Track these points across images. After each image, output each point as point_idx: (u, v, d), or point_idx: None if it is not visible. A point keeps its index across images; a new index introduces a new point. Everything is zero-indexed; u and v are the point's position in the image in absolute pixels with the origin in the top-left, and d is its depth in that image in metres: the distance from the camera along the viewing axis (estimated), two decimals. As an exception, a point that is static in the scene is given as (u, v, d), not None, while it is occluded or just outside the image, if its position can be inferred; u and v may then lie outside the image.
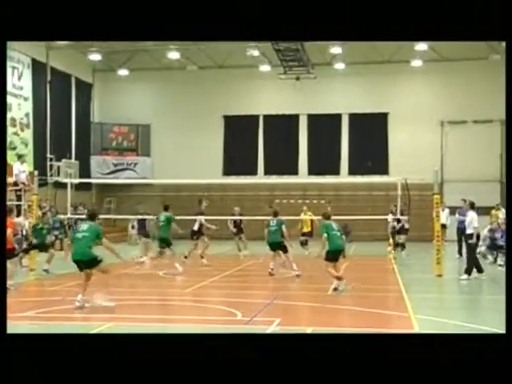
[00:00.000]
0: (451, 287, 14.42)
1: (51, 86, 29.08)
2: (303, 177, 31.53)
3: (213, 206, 22.90)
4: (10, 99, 24.97)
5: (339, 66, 31.32)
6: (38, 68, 27.84)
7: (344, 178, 31.23)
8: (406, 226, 19.84)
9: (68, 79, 30.93)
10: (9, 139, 24.68)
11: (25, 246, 16.82)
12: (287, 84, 30.95)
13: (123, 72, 33.27)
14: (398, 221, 19.73)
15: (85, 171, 30.75)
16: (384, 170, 31.13)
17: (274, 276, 15.14)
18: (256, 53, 29.64)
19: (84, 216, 27.19)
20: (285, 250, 15.42)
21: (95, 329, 8.58)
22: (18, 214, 18.51)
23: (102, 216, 28.25)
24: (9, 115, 24.82)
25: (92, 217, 10.97)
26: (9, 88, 24.84)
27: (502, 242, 17.34)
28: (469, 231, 14.70)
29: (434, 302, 12.11)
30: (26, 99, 27.07)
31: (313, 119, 32.38)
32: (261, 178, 31.92)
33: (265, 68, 31.77)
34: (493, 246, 18.34)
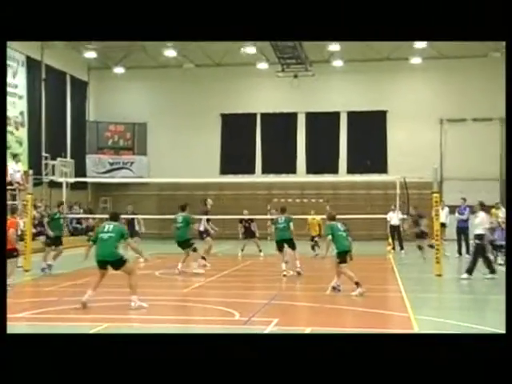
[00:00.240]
0: (451, 287, 14.44)
1: (46, 84, 29.06)
2: (301, 175, 31.54)
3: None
4: (4, 97, 24.92)
5: (337, 63, 31.34)
6: (32, 66, 27.81)
7: (342, 176, 31.23)
8: (425, 230, 19.59)
9: (63, 77, 30.89)
10: (3, 138, 24.62)
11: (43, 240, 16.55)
12: (285, 82, 30.95)
13: (119, 70, 33.24)
14: (417, 224, 19.59)
15: (80, 170, 30.72)
16: (383, 169, 31.14)
17: (286, 276, 15.09)
18: (253, 50, 29.66)
19: (80, 215, 27.38)
20: (293, 247, 15.42)
21: (91, 330, 8.57)
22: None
23: (97, 216, 28.41)
24: (3, 114, 24.76)
25: (115, 217, 11.02)
26: (3, 86, 24.78)
27: (501, 242, 17.35)
28: (478, 231, 14.68)
29: (433, 301, 12.13)
30: (20, 97, 27.05)
31: (311, 117, 32.39)
32: (258, 177, 31.94)
33: (262, 66, 31.77)
34: (492, 246, 18.36)
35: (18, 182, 19.87)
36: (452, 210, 21.43)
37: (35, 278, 15.31)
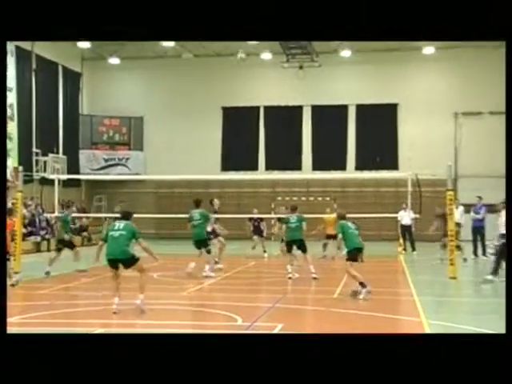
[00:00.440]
0: (466, 290, 14.42)
1: (37, 75, 29.08)
2: (307, 172, 31.54)
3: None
4: (-8, 89, 24.96)
5: (345, 53, 31.29)
6: (22, 56, 27.82)
7: (350, 173, 31.24)
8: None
9: (55, 68, 30.89)
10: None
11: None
12: (290, 73, 30.94)
13: (114, 60, 33.26)
14: (446, 223, 19.50)
15: (73, 167, 30.76)
16: (393, 165, 31.13)
17: (291, 279, 15.11)
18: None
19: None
20: (304, 249, 15.33)
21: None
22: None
23: (91, 215, 28.43)
24: (-8, 107, 24.80)
25: (127, 216, 11.02)
26: (-9, 78, 24.82)
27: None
28: (502, 231, 14.63)
29: (447, 306, 12.11)
30: (9, 90, 27.05)
31: (317, 111, 32.37)
32: (262, 174, 31.94)
33: (266, 56, 31.76)
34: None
35: (7, 179, 19.91)
36: (467, 209, 21.39)
37: (28, 280, 15.31)
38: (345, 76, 32.21)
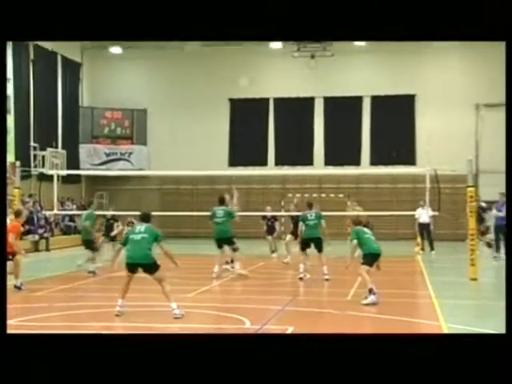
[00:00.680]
0: (487, 292, 14.37)
1: (34, 65, 29.15)
2: (319, 168, 31.51)
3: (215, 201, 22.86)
4: (-12, 81, 25.05)
5: (359, 42, 31.17)
6: (19, 45, 27.85)
7: (365, 168, 31.20)
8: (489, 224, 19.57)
9: (54, 58, 30.96)
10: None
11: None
12: (301, 63, 30.92)
13: (116, 50, 33.31)
14: (482, 220, 19.45)
15: (73, 162, 30.84)
16: (410, 160, 31.07)
17: (303, 280, 15.13)
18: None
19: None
20: (320, 248, 15.37)
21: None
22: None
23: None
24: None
25: (146, 218, 11.04)
26: (-13, 68, 24.91)
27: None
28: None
29: (468, 309, 12.08)
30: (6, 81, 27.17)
31: (330, 102, 32.32)
32: (271, 169, 31.93)
33: (275, 45, 31.70)
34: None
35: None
36: (489, 206, 21.32)
37: (26, 281, 15.36)
38: (359, 66, 32.14)
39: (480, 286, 14.84)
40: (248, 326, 9.69)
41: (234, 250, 15.71)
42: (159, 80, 33.94)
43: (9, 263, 12.84)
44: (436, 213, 18.42)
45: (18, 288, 13.30)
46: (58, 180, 19.93)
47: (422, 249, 22.63)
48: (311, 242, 15.40)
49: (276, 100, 32.93)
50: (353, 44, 31.13)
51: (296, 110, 32.50)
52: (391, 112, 31.68)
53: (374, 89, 31.86)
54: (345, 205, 26.08)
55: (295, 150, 32.14)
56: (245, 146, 32.69)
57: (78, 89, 33.40)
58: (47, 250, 24.62)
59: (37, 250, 23.84)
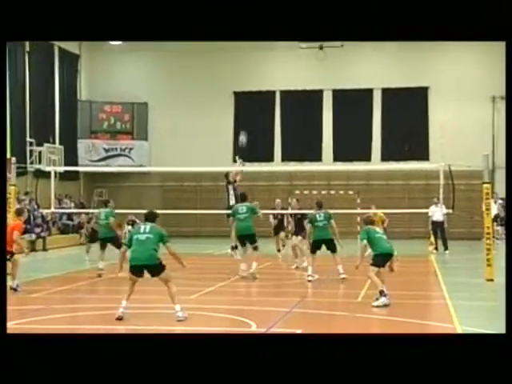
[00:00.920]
0: (504, 294, 14.32)
1: (30, 57, 29.18)
2: (327, 163, 31.48)
3: (219, 198, 22.90)
4: (-18, 74, 25.11)
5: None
6: (15, 37, 27.95)
7: (376, 164, 31.16)
8: None
9: (50, 50, 30.99)
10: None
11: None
12: (309, 54, 30.89)
13: (115, 41, 33.29)
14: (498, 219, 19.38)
15: (71, 158, 30.89)
16: (423, 156, 31.00)
17: (311, 281, 15.15)
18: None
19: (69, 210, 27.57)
20: (334, 249, 15.41)
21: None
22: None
23: (91, 210, 28.55)
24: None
25: (152, 217, 11.04)
26: (-19, 60, 24.97)
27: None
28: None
29: (483, 311, 12.06)
30: (1, 74, 27.21)
31: (339, 95, 32.29)
32: (278, 166, 31.93)
33: (282, 35, 31.66)
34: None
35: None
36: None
37: (23, 281, 15.41)
38: (369, 57, 32.07)
39: (497, 287, 14.79)
40: (254, 329, 9.70)
41: (255, 248, 15.82)
42: (160, 72, 33.93)
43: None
44: (450, 210, 18.36)
45: (14, 289, 13.34)
46: (55, 177, 19.98)
47: (436, 248, 22.60)
48: (323, 243, 15.43)
49: (283, 93, 32.89)
50: (363, 34, 31.06)
51: (303, 104, 32.45)
52: (403, 105, 31.62)
53: (385, 81, 31.80)
54: (354, 202, 26.06)
55: (303, 146, 32.10)
56: (250, 140, 32.38)
57: (76, 82, 33.42)
58: (44, 249, 24.68)
59: (34, 249, 23.87)
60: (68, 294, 14.03)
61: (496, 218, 18.51)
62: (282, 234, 20.96)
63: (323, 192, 30.16)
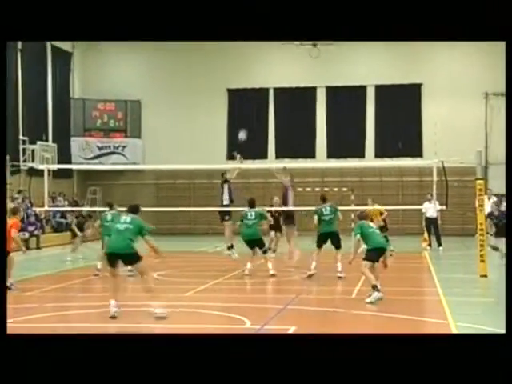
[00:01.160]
0: (498, 290, 14.37)
1: (23, 55, 29.09)
2: (321, 160, 31.51)
3: (213, 196, 22.91)
4: (-25, 71, 25.04)
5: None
6: (7, 34, 27.88)
7: (369, 161, 31.18)
8: None
9: (43, 47, 30.88)
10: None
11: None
12: (302, 51, 30.87)
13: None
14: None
15: (64, 156, 30.83)
16: (417, 152, 31.06)
17: (311, 277, 15.16)
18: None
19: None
20: (338, 245, 15.41)
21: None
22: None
23: (84, 208, 28.54)
24: (-26, 90, 24.89)
25: (134, 210, 11.06)
26: (-26, 58, 24.90)
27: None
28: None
29: (477, 306, 12.09)
30: (-7, 71, 27.13)
31: (332, 92, 32.30)
32: (272, 163, 31.88)
33: (275, 32, 31.65)
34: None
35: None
36: (500, 199, 21.32)
37: (18, 280, 15.40)
38: (363, 54, 32.07)
39: (490, 283, 14.85)
40: (248, 326, 9.71)
41: (265, 252, 16.10)
42: (154, 70, 33.86)
43: None
44: (444, 207, 18.42)
45: (8, 288, 13.32)
46: (48, 175, 19.92)
47: (430, 244, 22.65)
48: (329, 237, 15.44)
49: (276, 90, 32.88)
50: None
51: (297, 101, 32.46)
52: (397, 102, 31.65)
53: (378, 78, 31.82)
54: (348, 199, 26.09)
55: (296, 142, 32.11)
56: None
57: (69, 79, 33.33)
58: (38, 248, 24.65)
59: (27, 248, 23.81)
60: (62, 292, 14.03)
61: (490, 216, 18.53)
62: (277, 234, 20.91)
63: (317, 189, 30.10)
